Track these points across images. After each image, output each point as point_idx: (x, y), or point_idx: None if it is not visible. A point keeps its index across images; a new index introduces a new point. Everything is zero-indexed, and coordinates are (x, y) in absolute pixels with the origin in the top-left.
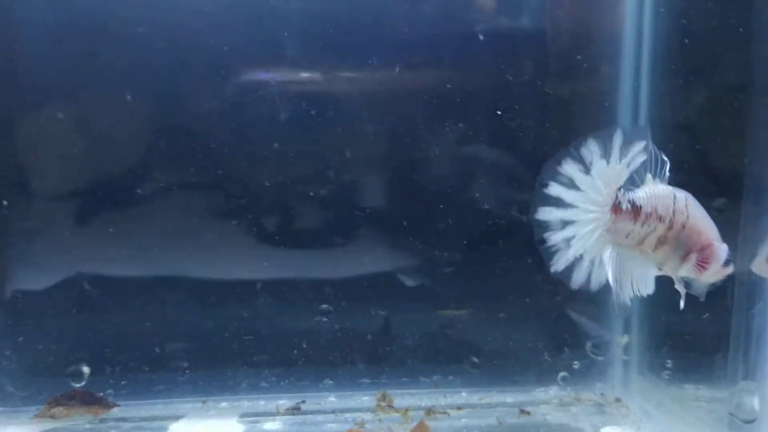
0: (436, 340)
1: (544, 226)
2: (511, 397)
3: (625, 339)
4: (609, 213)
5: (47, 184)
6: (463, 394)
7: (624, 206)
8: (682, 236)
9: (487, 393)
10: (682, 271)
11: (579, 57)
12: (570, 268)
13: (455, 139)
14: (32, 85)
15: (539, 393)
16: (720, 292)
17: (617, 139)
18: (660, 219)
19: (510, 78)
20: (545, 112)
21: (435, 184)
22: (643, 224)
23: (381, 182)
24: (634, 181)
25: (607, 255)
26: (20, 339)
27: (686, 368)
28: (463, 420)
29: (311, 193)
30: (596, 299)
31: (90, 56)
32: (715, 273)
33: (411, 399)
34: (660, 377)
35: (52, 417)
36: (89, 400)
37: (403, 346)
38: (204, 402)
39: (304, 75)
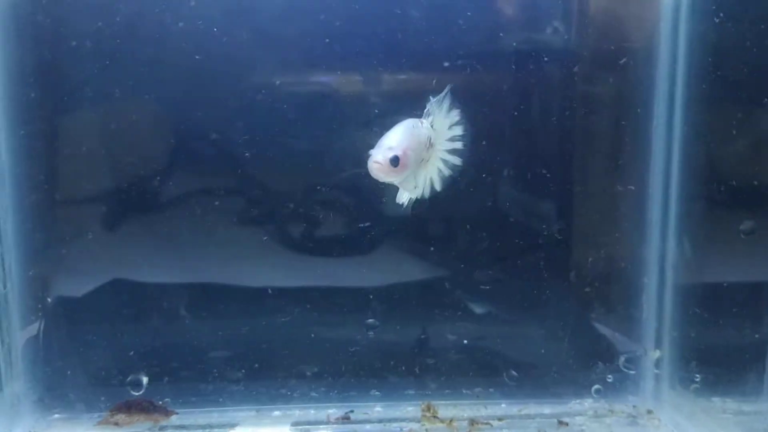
0: (476, 354)
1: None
2: (548, 408)
3: (657, 354)
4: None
5: (83, 189)
6: (503, 405)
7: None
8: None
9: (525, 405)
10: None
11: (614, 60)
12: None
13: (494, 148)
14: (66, 89)
15: (575, 405)
16: (753, 308)
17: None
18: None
19: (544, 81)
20: (578, 118)
21: (473, 196)
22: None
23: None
24: None
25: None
26: (81, 349)
27: (715, 382)
28: (505, 430)
29: (361, 203)
30: (630, 316)
31: (122, 62)
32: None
33: (454, 410)
34: (690, 390)
35: (116, 424)
36: (149, 408)
37: (445, 359)
38: (257, 411)
39: (346, 78)
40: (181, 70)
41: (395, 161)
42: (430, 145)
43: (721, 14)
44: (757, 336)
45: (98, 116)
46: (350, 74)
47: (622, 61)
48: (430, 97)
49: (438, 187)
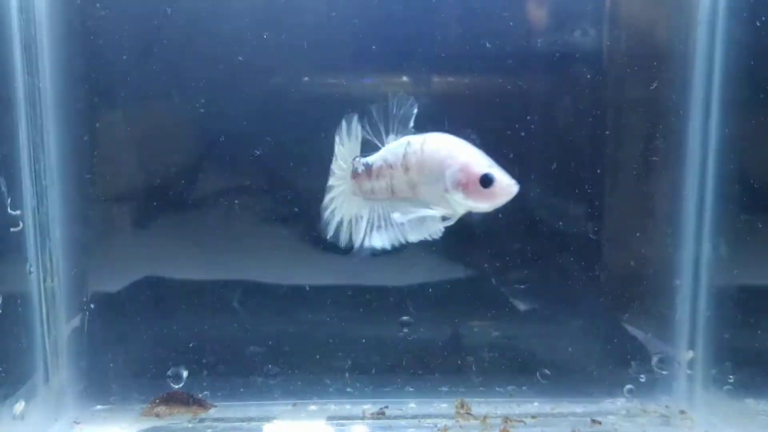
0: (509, 352)
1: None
2: (580, 407)
3: (690, 355)
4: (350, 180)
5: (123, 187)
6: (536, 403)
7: (360, 169)
8: (424, 172)
9: (558, 403)
10: (459, 206)
11: (651, 63)
12: (337, 231)
13: (527, 148)
14: (109, 93)
15: (607, 404)
16: None
17: (344, 125)
18: (391, 167)
19: (579, 84)
20: (614, 120)
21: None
22: (378, 177)
23: None
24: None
25: (366, 212)
26: (123, 343)
27: (749, 383)
28: (538, 428)
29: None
30: (664, 316)
31: (162, 66)
32: (479, 195)
33: (487, 407)
34: (723, 391)
35: (157, 415)
36: (189, 400)
37: (479, 357)
38: (294, 405)
39: (362, 80)
40: (215, 72)
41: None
42: None
43: (761, 18)
44: None
45: (139, 118)
46: (385, 76)
47: (657, 64)
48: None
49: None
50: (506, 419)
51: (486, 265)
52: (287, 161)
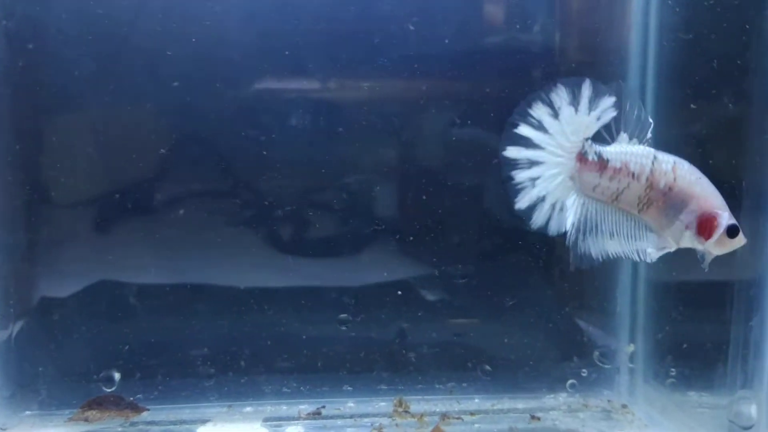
0: (449, 348)
1: (512, 164)
2: (521, 403)
3: (631, 348)
4: (574, 160)
5: (70, 191)
6: (476, 400)
7: (590, 156)
8: (670, 199)
9: (499, 399)
10: (684, 241)
11: (585, 69)
12: (532, 208)
13: (465, 152)
14: (54, 94)
15: (549, 399)
16: (720, 303)
17: (586, 90)
18: (632, 176)
19: (516, 91)
20: None
21: (446, 194)
22: (611, 179)
23: (395, 191)
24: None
25: (571, 202)
26: (52, 345)
27: (689, 376)
28: (477, 425)
29: (332, 201)
30: (605, 310)
31: (110, 66)
32: (720, 243)
33: (426, 405)
34: (664, 385)
35: (86, 420)
36: (120, 404)
37: (418, 354)
38: (229, 407)
39: (323, 84)
40: (173, 74)
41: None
42: None
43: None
44: (726, 328)
45: (85, 120)
46: (352, 80)
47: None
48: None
49: None
50: (444, 416)
51: (426, 260)
52: (221, 165)
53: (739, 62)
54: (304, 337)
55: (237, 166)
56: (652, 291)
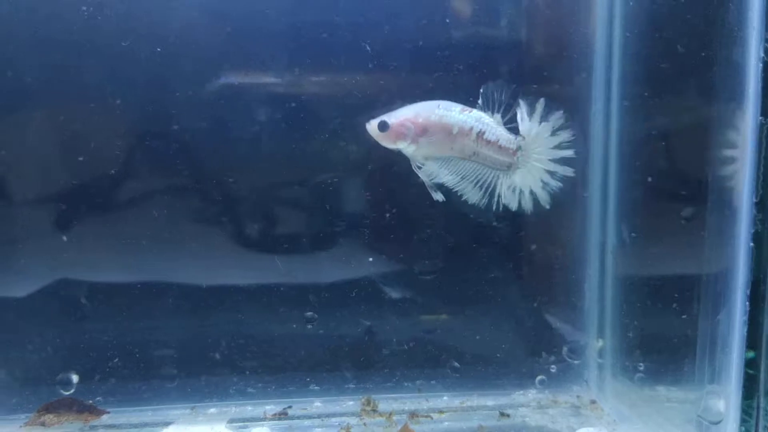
0: (418, 345)
1: None
2: (491, 400)
3: (600, 343)
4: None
5: (29, 189)
6: (445, 398)
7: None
8: None
9: (468, 397)
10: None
11: (552, 69)
12: None
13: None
14: (18, 90)
15: (518, 396)
16: (687, 298)
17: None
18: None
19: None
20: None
21: (413, 190)
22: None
23: (362, 187)
24: None
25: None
26: (7, 347)
27: (657, 371)
28: (446, 423)
29: (297, 198)
30: (573, 305)
31: (77, 62)
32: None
33: (395, 403)
34: (633, 380)
35: (43, 424)
36: (79, 407)
37: (387, 352)
38: (193, 408)
39: (291, 79)
40: (138, 68)
41: (383, 126)
42: (482, 139)
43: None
44: (693, 322)
45: (45, 116)
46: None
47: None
48: (520, 101)
49: (544, 202)
50: (413, 415)
51: (393, 256)
52: (185, 161)
53: (703, 54)
54: (269, 335)
55: (202, 163)
56: (620, 286)
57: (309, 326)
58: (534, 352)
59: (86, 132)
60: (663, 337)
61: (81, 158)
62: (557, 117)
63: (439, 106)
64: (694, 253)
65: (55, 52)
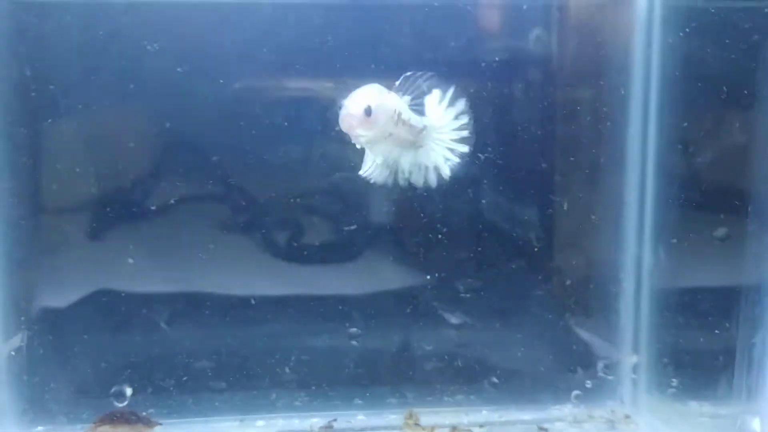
0: (456, 360)
1: None
2: (528, 414)
3: (634, 359)
4: None
5: (64, 199)
6: (484, 412)
7: None
8: None
9: (506, 411)
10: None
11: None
12: None
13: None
14: (47, 99)
15: (554, 410)
16: (724, 314)
17: None
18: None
19: (522, 96)
20: (556, 127)
21: (450, 204)
22: None
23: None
24: None
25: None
26: (65, 361)
27: (692, 387)
28: None
29: (341, 211)
30: (608, 321)
31: (104, 73)
32: None
33: (436, 417)
34: (666, 395)
35: None
36: (133, 419)
37: (427, 367)
38: (241, 421)
39: (319, 84)
40: (164, 78)
41: (369, 111)
42: (404, 122)
43: (691, 26)
44: (730, 340)
45: (81, 126)
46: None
47: (597, 71)
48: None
49: (446, 175)
50: (454, 429)
51: (433, 273)
52: (239, 169)
53: (745, 91)
54: (313, 349)
55: (230, 170)
56: (655, 301)
57: (353, 341)
58: (570, 367)
59: (120, 143)
60: (698, 352)
61: (122, 167)
62: (460, 102)
63: (380, 89)
64: (732, 269)
65: (86, 59)
